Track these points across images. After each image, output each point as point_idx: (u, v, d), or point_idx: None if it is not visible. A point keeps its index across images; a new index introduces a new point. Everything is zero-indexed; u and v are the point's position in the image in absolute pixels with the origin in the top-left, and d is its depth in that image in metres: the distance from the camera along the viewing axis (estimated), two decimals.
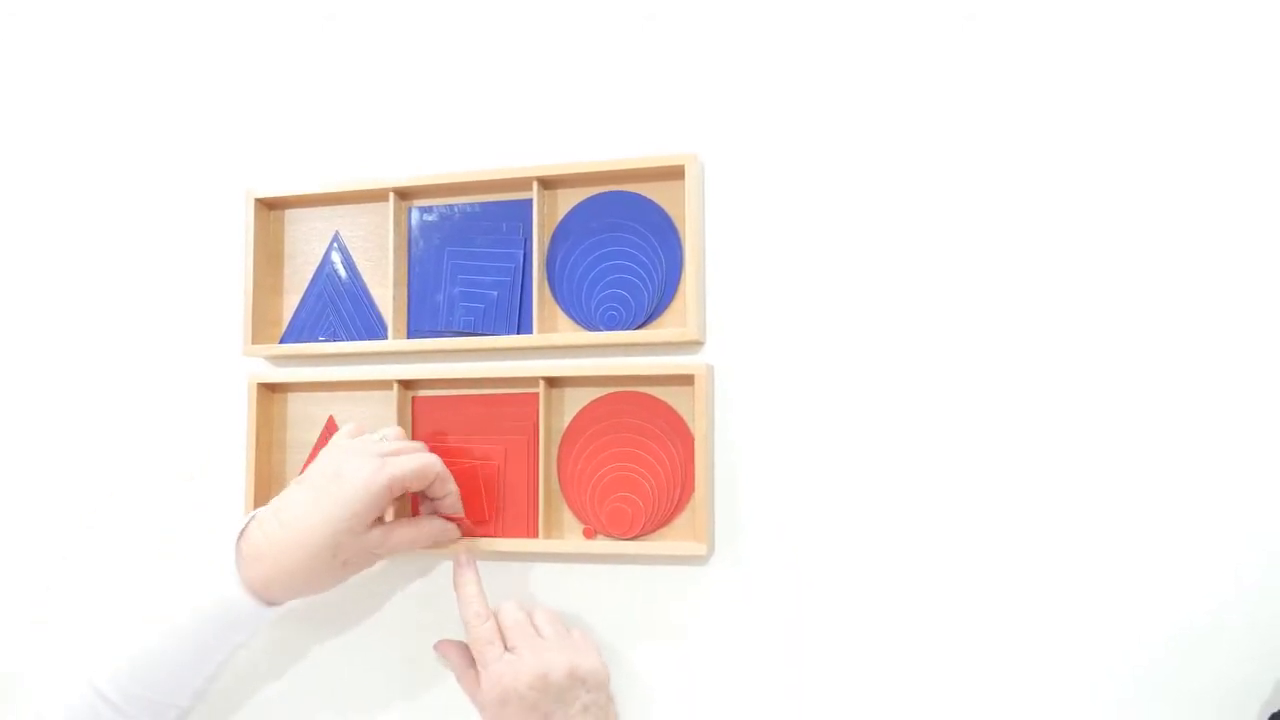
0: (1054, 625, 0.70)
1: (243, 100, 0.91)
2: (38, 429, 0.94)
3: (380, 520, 0.73)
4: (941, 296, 0.73)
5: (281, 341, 0.87)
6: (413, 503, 0.81)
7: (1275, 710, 0.64)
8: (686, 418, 0.77)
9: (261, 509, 0.73)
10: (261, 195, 0.86)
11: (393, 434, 0.77)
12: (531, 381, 0.79)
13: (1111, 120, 0.71)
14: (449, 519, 0.77)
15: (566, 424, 0.80)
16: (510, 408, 0.81)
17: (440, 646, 0.76)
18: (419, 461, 0.73)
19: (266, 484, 0.85)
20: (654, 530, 0.77)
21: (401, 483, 0.71)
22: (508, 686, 0.68)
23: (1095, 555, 0.69)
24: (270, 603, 0.71)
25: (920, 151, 0.74)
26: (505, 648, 0.70)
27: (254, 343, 0.85)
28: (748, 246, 0.77)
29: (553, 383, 0.80)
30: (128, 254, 0.93)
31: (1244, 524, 0.67)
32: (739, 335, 0.77)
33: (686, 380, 0.76)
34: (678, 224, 0.78)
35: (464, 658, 0.73)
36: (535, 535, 0.78)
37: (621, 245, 0.79)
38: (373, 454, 0.72)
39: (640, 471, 0.78)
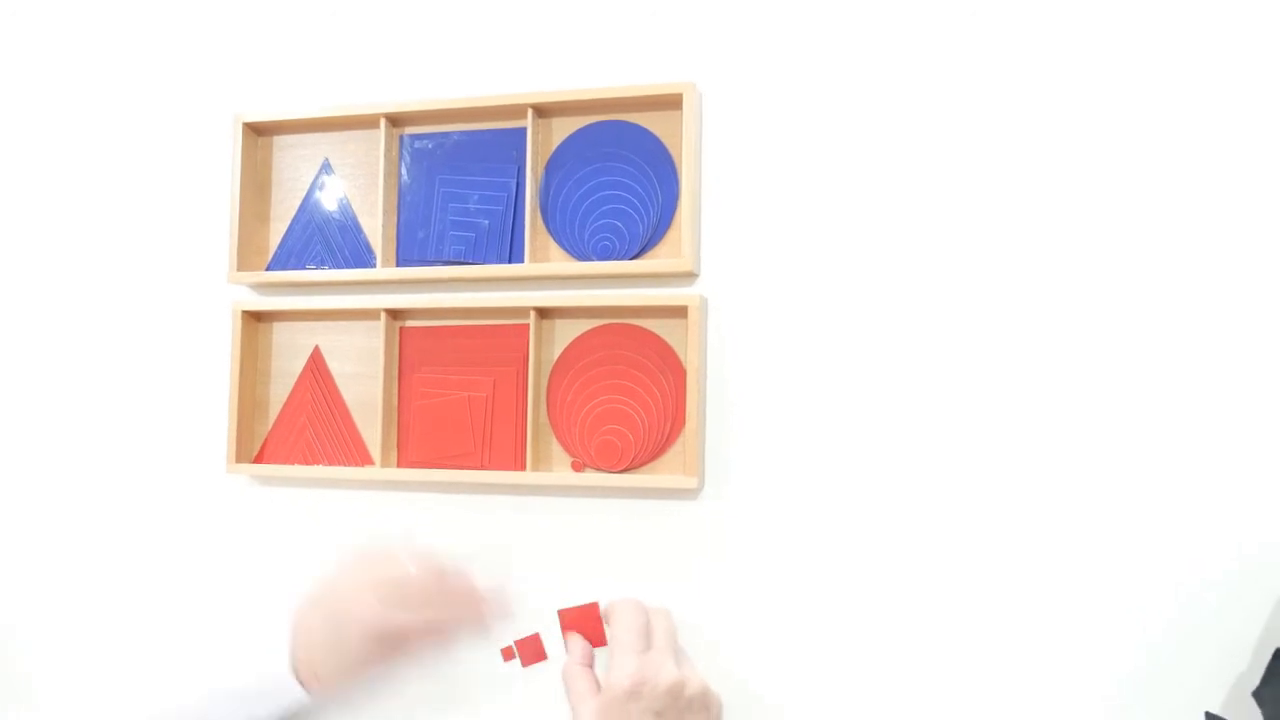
0: (1052, 568, 0.69)
1: (232, 23, 0.88)
2: (19, 355, 0.92)
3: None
4: (942, 235, 0.72)
5: (268, 270, 0.85)
6: None
7: (1254, 688, 0.63)
8: (679, 351, 0.76)
9: None
10: (250, 120, 0.84)
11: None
12: (522, 312, 0.78)
13: (1109, 92, 0.70)
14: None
15: (557, 356, 0.79)
16: (500, 339, 0.79)
17: (567, 638, 0.72)
18: (386, 561, 0.66)
19: (250, 415, 0.84)
20: (644, 464, 0.76)
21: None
22: (647, 680, 0.65)
23: (1099, 501, 0.69)
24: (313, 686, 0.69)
25: (922, 83, 0.73)
26: (646, 645, 0.68)
27: (240, 270, 0.83)
28: (744, 179, 0.76)
29: (544, 314, 0.78)
30: (111, 177, 0.91)
31: (1225, 508, 0.67)
32: (734, 268, 0.76)
33: (680, 313, 0.75)
34: (674, 154, 0.77)
35: (586, 648, 0.71)
36: (523, 468, 0.77)
37: (616, 175, 0.78)
38: (365, 582, 0.66)
39: (631, 404, 0.77)
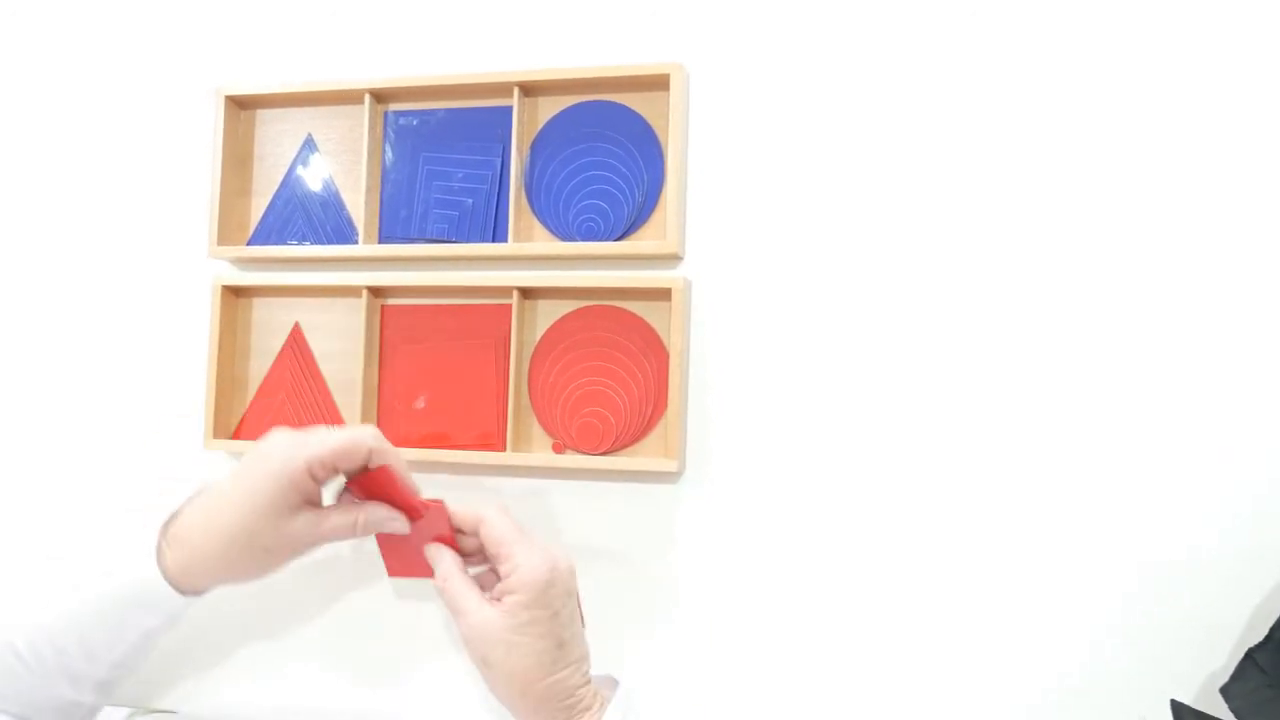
0: (1026, 558, 0.70)
1: None
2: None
3: (314, 506, 0.66)
4: (929, 223, 0.72)
5: (249, 245, 0.84)
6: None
7: (1251, 645, 0.64)
8: (662, 333, 0.76)
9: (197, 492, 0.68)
10: (232, 93, 0.83)
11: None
12: (505, 292, 0.78)
13: (1109, 86, 0.70)
14: (399, 505, 0.67)
15: (539, 337, 0.78)
16: (482, 318, 0.79)
17: (429, 549, 0.67)
18: (343, 436, 0.64)
19: (229, 391, 0.83)
20: (625, 446, 0.76)
21: (323, 462, 0.63)
22: (559, 566, 0.61)
23: (1071, 491, 0.69)
24: (190, 591, 0.66)
25: (913, 69, 0.73)
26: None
27: (220, 244, 0.82)
28: (731, 161, 0.76)
29: (527, 294, 0.78)
30: (90, 150, 0.89)
31: (1216, 469, 0.67)
32: (719, 250, 0.76)
33: (664, 295, 0.75)
34: (660, 136, 0.76)
35: (456, 558, 0.66)
36: (503, 449, 0.77)
37: (602, 156, 0.77)
38: (298, 435, 0.65)
39: (613, 386, 0.76)
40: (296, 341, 0.82)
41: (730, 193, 0.76)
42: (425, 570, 0.68)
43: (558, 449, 0.77)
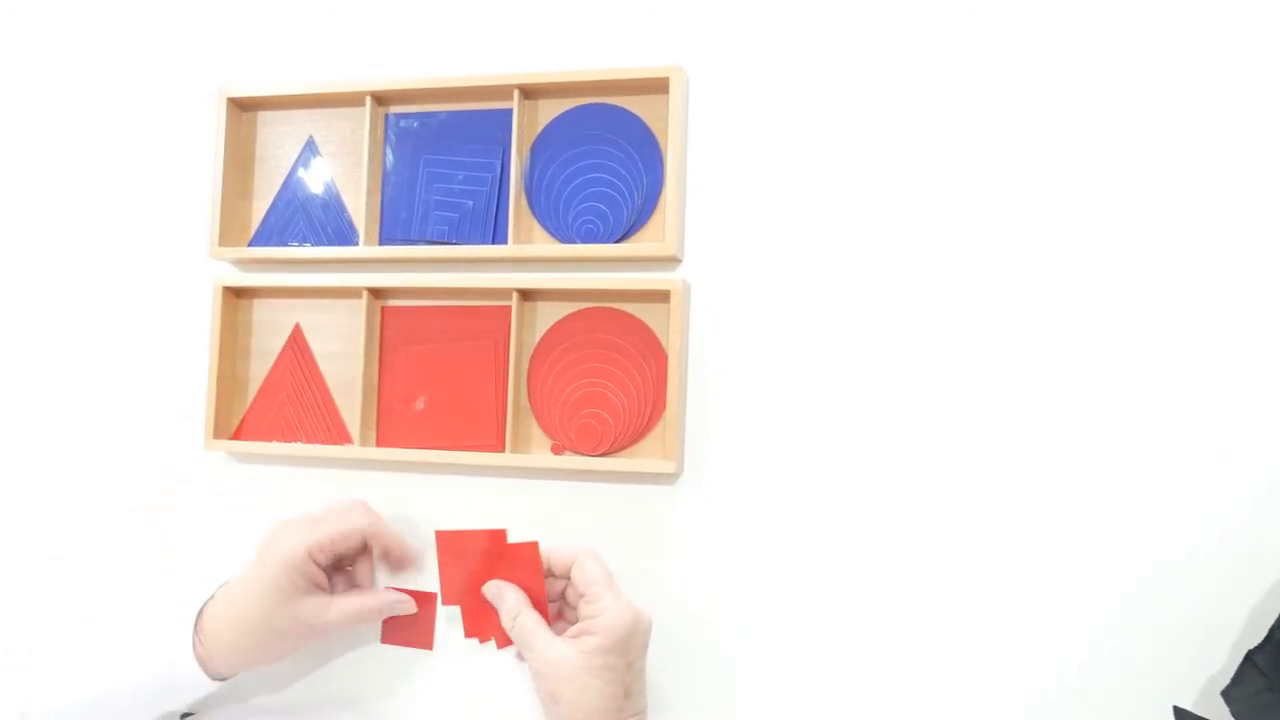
0: (1023, 561, 0.70)
1: None
2: None
3: (322, 590, 0.71)
4: (929, 225, 0.72)
5: (250, 246, 0.84)
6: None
7: (1251, 647, 0.64)
8: (661, 335, 0.76)
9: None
10: (234, 95, 0.83)
11: (342, 503, 0.75)
12: (505, 294, 0.78)
13: (1111, 88, 0.70)
14: (405, 590, 0.76)
15: (539, 338, 0.78)
16: (482, 320, 0.79)
17: (490, 587, 0.72)
18: (342, 523, 0.71)
19: (229, 391, 0.83)
20: (623, 448, 0.76)
21: (324, 548, 0.70)
22: (643, 620, 0.65)
23: (1068, 493, 0.69)
24: (217, 676, 0.70)
25: (911, 68, 0.73)
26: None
27: (221, 245, 0.83)
28: (730, 164, 0.76)
29: (526, 295, 0.78)
30: (93, 151, 0.90)
31: (1214, 470, 0.67)
32: (718, 253, 0.76)
33: (662, 297, 0.75)
34: (660, 139, 0.77)
35: (523, 595, 0.71)
36: (502, 450, 0.77)
37: (602, 158, 0.78)
38: (303, 520, 0.71)
39: (611, 388, 0.76)
40: (297, 342, 0.83)
41: (729, 195, 0.76)
42: (423, 641, 0.77)
43: (556, 450, 0.77)
